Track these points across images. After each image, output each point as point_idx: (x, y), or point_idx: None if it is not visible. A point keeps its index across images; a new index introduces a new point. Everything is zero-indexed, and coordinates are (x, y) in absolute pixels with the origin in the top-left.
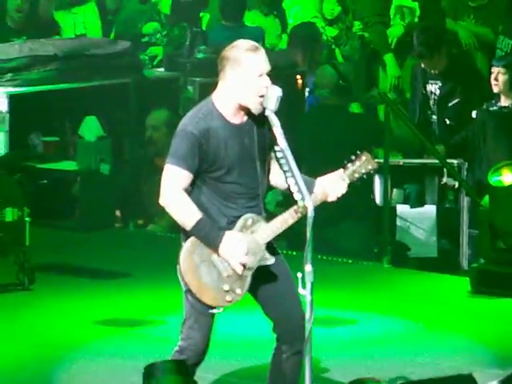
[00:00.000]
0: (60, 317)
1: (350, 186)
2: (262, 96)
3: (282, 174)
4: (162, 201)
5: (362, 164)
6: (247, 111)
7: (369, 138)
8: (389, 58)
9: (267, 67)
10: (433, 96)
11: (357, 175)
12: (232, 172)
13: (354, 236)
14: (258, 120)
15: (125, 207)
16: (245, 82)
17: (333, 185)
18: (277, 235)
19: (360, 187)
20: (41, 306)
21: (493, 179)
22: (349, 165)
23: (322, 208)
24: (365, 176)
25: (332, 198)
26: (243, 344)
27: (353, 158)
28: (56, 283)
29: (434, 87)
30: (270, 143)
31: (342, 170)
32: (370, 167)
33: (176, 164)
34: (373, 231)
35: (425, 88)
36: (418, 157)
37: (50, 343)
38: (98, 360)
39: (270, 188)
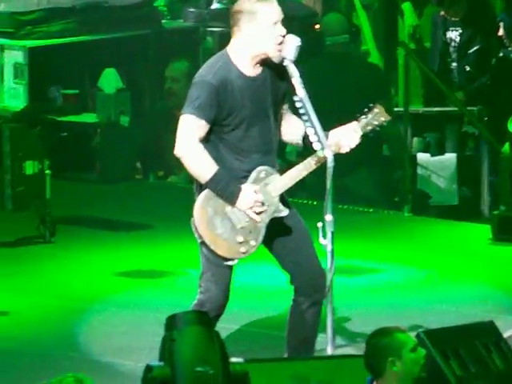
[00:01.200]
0: (81, 269)
1: (362, 137)
2: (280, 44)
3: (296, 126)
4: (178, 151)
5: (375, 116)
6: (262, 64)
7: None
8: (406, 7)
9: (280, 15)
10: (453, 43)
11: (369, 127)
12: (246, 124)
13: (368, 184)
14: (273, 73)
15: (145, 159)
16: (262, 32)
17: (346, 136)
18: (292, 186)
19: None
20: (62, 259)
21: None
22: (362, 117)
23: (335, 159)
24: (377, 128)
25: (345, 149)
26: (263, 294)
27: (366, 110)
28: (77, 236)
29: (453, 34)
30: (283, 96)
31: (355, 121)
32: (382, 119)
33: (193, 113)
34: (389, 179)
35: (445, 35)
36: (437, 105)
37: (71, 295)
38: (120, 311)
39: (282, 141)
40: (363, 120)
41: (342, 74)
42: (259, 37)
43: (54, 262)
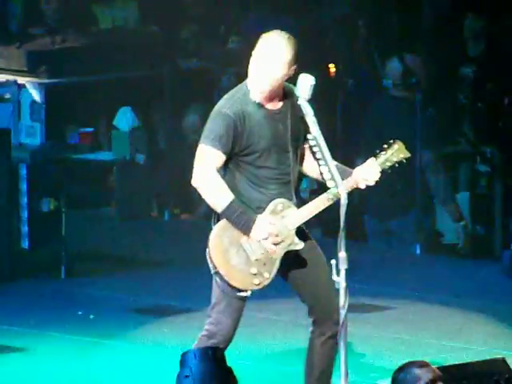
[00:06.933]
0: None
1: (382, 173)
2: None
3: (315, 162)
4: (194, 182)
5: (394, 152)
6: (282, 98)
7: None
8: None
9: (270, 55)
10: (466, 80)
11: (389, 163)
12: (264, 156)
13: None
14: (294, 107)
15: (160, 196)
16: (251, 67)
17: (364, 172)
18: (307, 221)
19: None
20: None
21: None
22: (381, 153)
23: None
24: (396, 165)
25: (362, 185)
26: (277, 328)
27: (385, 146)
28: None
29: (467, 70)
30: (304, 131)
31: (373, 158)
32: (402, 156)
33: (210, 144)
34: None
35: (458, 71)
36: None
37: None
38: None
39: (305, 175)
40: (382, 157)
41: (397, 118)
42: (250, 72)
43: None
